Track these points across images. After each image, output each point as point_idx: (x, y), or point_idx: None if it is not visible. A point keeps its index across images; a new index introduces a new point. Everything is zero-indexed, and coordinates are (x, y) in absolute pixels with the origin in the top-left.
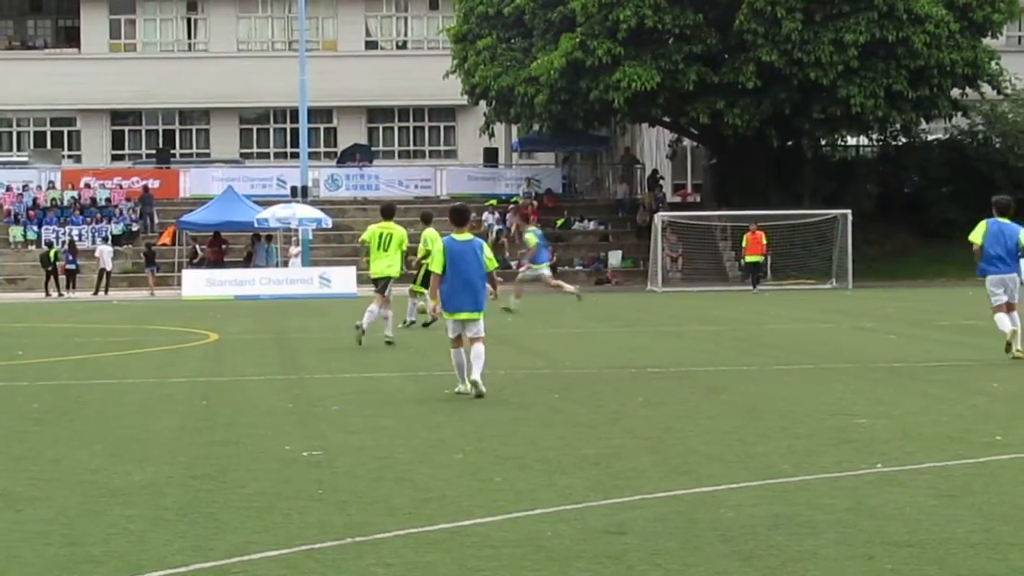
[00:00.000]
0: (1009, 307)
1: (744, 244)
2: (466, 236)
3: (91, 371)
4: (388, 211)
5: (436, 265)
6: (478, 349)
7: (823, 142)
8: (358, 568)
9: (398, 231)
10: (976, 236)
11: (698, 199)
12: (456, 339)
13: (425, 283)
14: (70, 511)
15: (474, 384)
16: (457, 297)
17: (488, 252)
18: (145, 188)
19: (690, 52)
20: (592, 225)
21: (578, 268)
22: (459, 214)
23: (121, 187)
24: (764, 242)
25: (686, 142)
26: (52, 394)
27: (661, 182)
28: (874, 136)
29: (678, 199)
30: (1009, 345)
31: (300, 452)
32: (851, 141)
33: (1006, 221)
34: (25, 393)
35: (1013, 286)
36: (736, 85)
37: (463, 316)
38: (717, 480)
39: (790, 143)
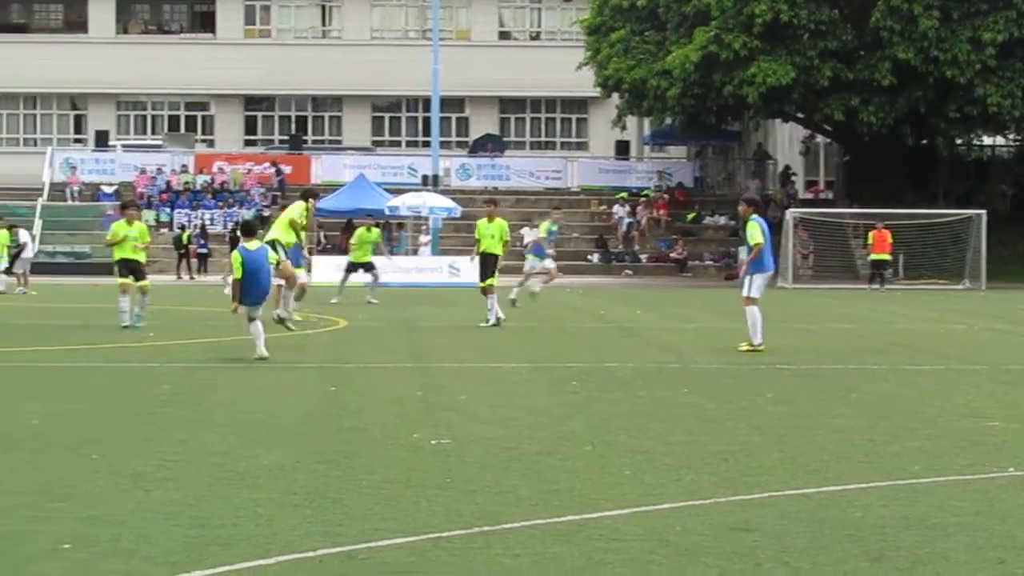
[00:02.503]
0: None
1: (870, 242)
2: (255, 244)
3: (221, 354)
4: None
5: (237, 272)
6: (256, 327)
7: (958, 141)
8: (485, 558)
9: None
10: (759, 236)
11: (830, 196)
12: (251, 319)
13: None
14: (198, 493)
15: (262, 358)
16: (251, 293)
17: (272, 255)
18: (278, 170)
19: (825, 48)
20: (723, 220)
21: (708, 263)
22: (248, 226)
23: (252, 172)
24: (890, 240)
25: (819, 139)
26: (182, 376)
27: (793, 178)
28: (1010, 136)
29: (810, 196)
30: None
31: (428, 440)
32: (987, 141)
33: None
34: (155, 375)
35: None
36: (871, 82)
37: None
38: (846, 479)
39: (924, 142)
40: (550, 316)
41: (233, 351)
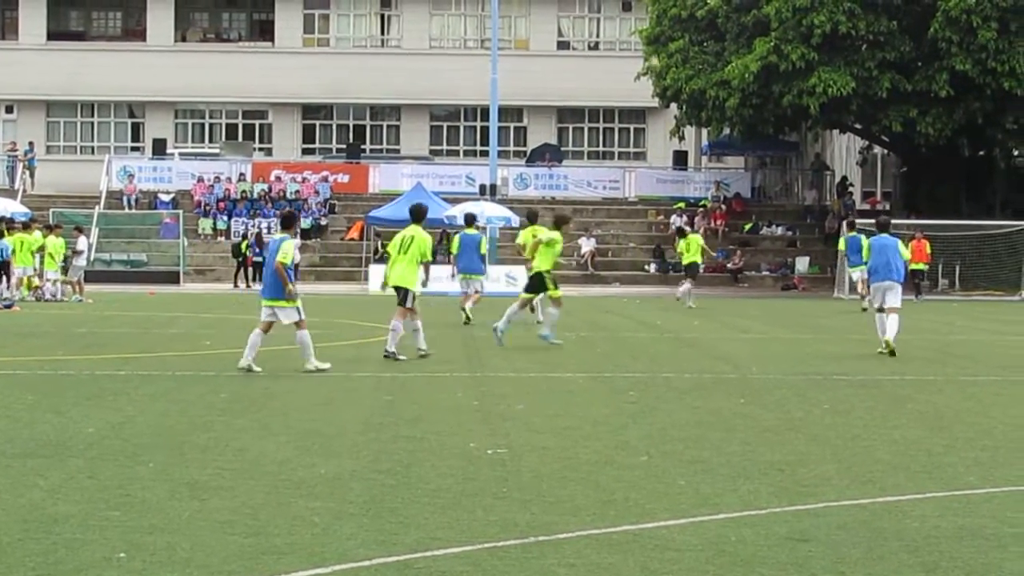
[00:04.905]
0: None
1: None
2: (278, 235)
3: (277, 363)
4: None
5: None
6: (301, 336)
7: (1016, 153)
8: (540, 568)
9: (420, 235)
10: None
11: (887, 207)
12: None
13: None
14: (254, 502)
15: (248, 367)
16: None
17: (283, 247)
18: (324, 178)
19: (883, 59)
20: (780, 230)
21: (764, 273)
22: (284, 219)
23: (309, 181)
24: (928, 251)
25: (877, 149)
26: (239, 385)
27: (850, 189)
28: None
29: (867, 206)
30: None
31: (484, 450)
32: None
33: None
34: (212, 383)
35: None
36: (929, 93)
37: (265, 301)
38: (902, 490)
39: (982, 153)
40: (607, 326)
41: (290, 360)
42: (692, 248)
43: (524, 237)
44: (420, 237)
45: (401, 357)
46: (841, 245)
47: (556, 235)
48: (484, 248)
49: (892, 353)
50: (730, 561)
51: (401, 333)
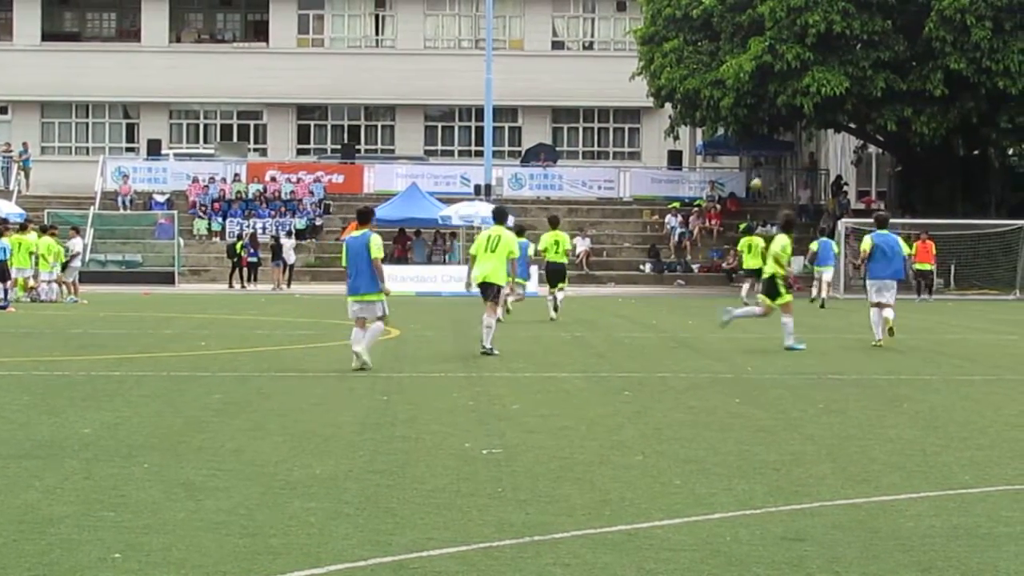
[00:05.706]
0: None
1: (913, 252)
2: (359, 231)
3: (273, 364)
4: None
5: (344, 259)
6: (374, 326)
7: (1011, 152)
8: (536, 567)
9: (507, 235)
10: (864, 246)
11: (882, 207)
12: (358, 320)
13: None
14: (250, 502)
15: (357, 355)
16: (349, 279)
17: (375, 242)
18: (316, 178)
19: (878, 59)
20: (775, 230)
21: None
22: (362, 215)
23: (304, 181)
24: (933, 252)
25: (871, 149)
26: (234, 385)
27: (845, 188)
28: None
29: (862, 206)
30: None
31: (480, 450)
32: None
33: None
34: (207, 384)
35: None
36: (923, 93)
37: (359, 297)
38: (897, 489)
39: (976, 152)
40: (603, 326)
41: (285, 360)
42: (754, 251)
43: (546, 242)
44: (507, 237)
45: (496, 352)
46: (814, 246)
47: (785, 240)
48: (531, 253)
49: (891, 331)
50: (725, 561)
51: (495, 329)
